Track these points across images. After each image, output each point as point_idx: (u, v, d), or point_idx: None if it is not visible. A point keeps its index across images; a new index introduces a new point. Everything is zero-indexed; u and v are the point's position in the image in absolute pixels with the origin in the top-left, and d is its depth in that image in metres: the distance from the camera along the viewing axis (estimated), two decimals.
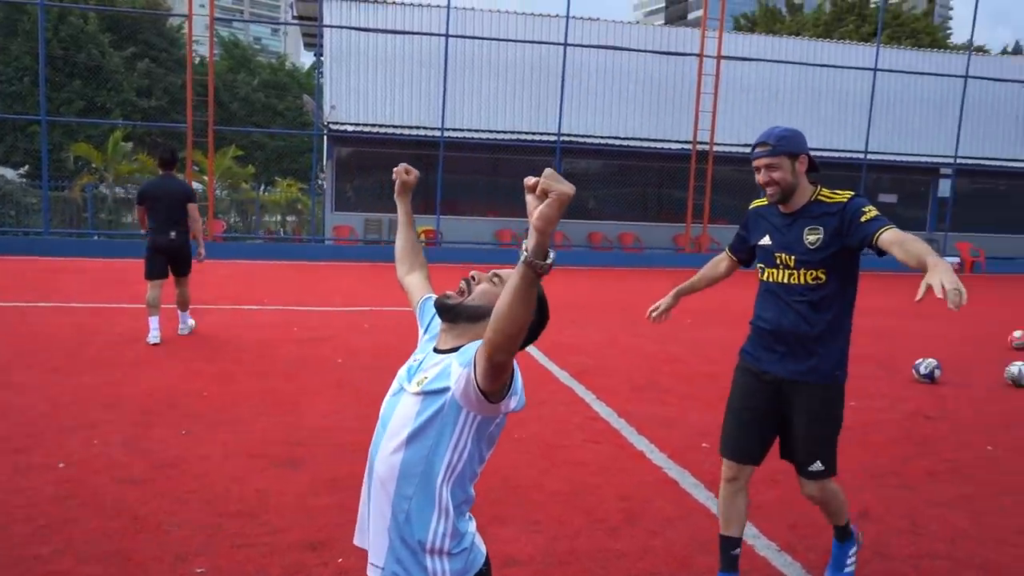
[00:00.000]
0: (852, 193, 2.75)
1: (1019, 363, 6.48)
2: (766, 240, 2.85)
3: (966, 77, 19.83)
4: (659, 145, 19.33)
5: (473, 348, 1.80)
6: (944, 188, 21.36)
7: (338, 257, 17.15)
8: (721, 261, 3.21)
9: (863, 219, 2.61)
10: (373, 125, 18.31)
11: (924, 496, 3.90)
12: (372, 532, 1.84)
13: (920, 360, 6.57)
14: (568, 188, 1.55)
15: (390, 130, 18.22)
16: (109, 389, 5.40)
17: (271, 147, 32.32)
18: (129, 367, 6.08)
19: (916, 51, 22.42)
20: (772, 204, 2.83)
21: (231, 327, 8.05)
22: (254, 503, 3.52)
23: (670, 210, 20.41)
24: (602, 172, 20.65)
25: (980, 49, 30.62)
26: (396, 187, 2.38)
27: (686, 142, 19.17)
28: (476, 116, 18.83)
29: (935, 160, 20.66)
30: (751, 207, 2.99)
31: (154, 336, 6.98)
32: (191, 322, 7.69)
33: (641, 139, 19.43)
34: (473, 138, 18.37)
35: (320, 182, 19.88)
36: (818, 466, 2.79)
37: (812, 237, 2.72)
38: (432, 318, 2.12)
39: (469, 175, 19.54)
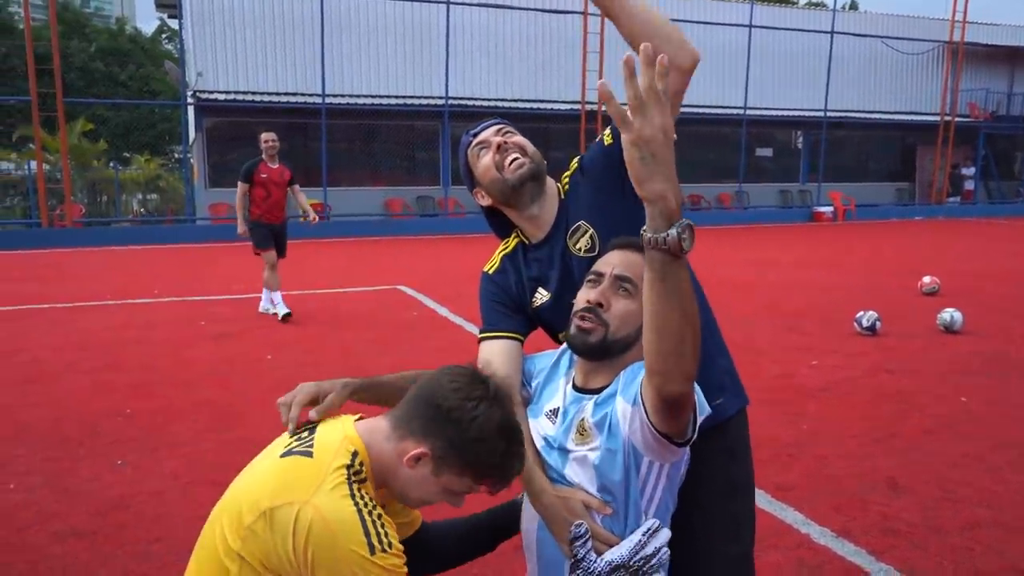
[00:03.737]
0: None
1: (950, 310, 6.70)
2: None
3: (832, 33, 20.73)
4: (548, 106, 19.08)
5: (638, 380, 1.40)
6: (814, 142, 22.42)
7: (216, 238, 15.87)
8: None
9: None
10: (246, 93, 16.98)
11: (935, 457, 3.84)
12: None
13: (861, 313, 6.66)
14: (647, 128, 1.12)
15: (266, 98, 16.96)
16: (3, 416, 4.54)
17: (115, 121, 29.55)
18: (18, 387, 5.18)
19: (787, 8, 23.26)
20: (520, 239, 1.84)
21: (129, 326, 7.13)
22: None
23: (563, 171, 20.28)
24: None
25: (853, 6, 32.29)
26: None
27: (575, 102, 19.03)
28: (358, 81, 17.85)
29: (806, 114, 21.57)
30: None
31: None
32: None
33: (530, 100, 19.10)
34: (356, 104, 17.41)
35: (187, 156, 18.31)
36: None
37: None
38: (549, 363, 1.68)
39: (354, 144, 18.58)
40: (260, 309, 7.71)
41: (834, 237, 16.72)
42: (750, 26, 19.89)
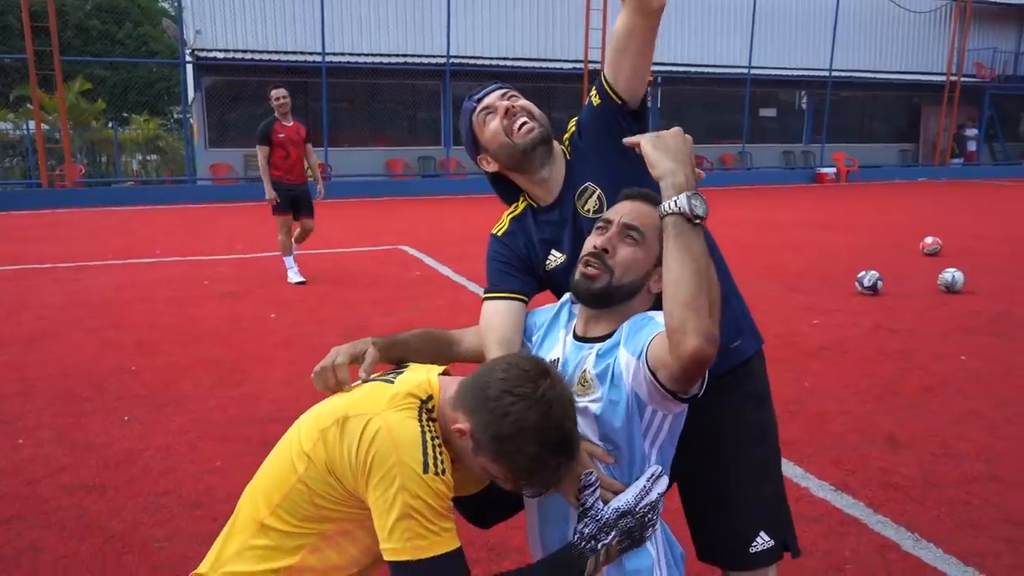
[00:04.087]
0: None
1: (951, 270, 6.71)
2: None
3: None
4: (550, 65, 18.84)
5: (643, 332, 1.41)
6: (818, 102, 22.18)
7: (216, 198, 15.83)
8: None
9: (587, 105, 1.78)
10: (245, 51, 16.79)
11: (935, 414, 3.88)
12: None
13: (863, 272, 6.67)
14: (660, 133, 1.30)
15: (265, 56, 16.76)
16: (10, 374, 4.58)
17: (112, 80, 29.23)
18: (26, 344, 5.21)
19: None
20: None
21: (132, 285, 7.15)
22: None
23: (562, 132, 20.14)
24: None
25: None
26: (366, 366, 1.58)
27: (577, 61, 18.79)
28: (358, 39, 17.62)
29: (811, 74, 21.30)
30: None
31: None
32: None
33: (532, 59, 18.87)
34: (356, 63, 17.21)
35: (187, 116, 18.16)
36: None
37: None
38: (548, 317, 1.68)
39: (355, 103, 18.41)
40: (289, 279, 7.27)
41: (837, 198, 16.64)
42: None
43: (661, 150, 1.33)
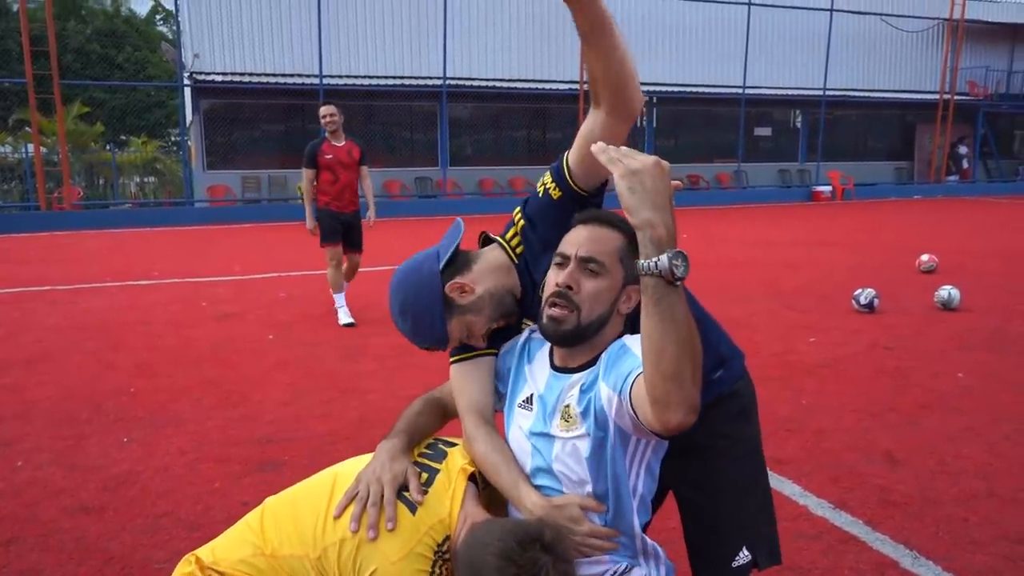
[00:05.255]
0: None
1: (948, 287, 6.74)
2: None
3: (832, 11, 20.60)
4: (546, 86, 18.99)
5: (622, 364, 1.39)
6: (813, 121, 22.34)
7: (214, 220, 15.86)
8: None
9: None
10: (243, 74, 16.91)
11: (932, 431, 3.89)
12: None
13: (859, 290, 6.70)
14: (634, 162, 1.21)
15: (263, 79, 16.88)
16: (9, 396, 4.58)
17: (111, 103, 29.40)
18: (25, 366, 5.22)
19: None
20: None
21: (131, 307, 7.16)
22: None
23: (560, 152, 20.23)
24: (488, 116, 20.15)
25: None
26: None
27: (573, 82, 18.94)
28: (356, 62, 17.76)
29: (805, 93, 21.47)
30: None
31: None
32: None
33: (528, 80, 19.02)
34: (354, 85, 17.34)
35: (185, 139, 18.24)
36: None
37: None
38: (515, 358, 1.69)
39: (352, 124, 18.46)
40: (341, 321, 6.41)
41: (833, 216, 16.73)
42: (749, 3, 19.76)
43: (638, 194, 1.19)
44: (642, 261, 1.21)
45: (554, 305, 1.46)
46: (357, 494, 1.49)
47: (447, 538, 1.44)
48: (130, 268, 9.58)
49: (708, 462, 1.68)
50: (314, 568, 1.45)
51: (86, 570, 2.66)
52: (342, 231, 6.55)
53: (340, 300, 6.47)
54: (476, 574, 1.30)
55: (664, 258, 1.18)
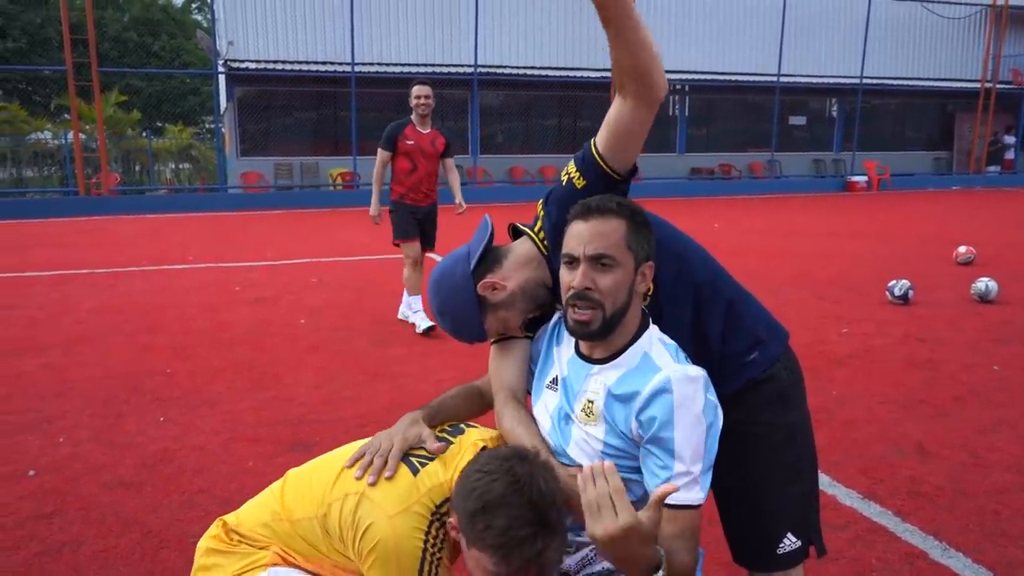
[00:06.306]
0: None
1: (985, 279, 6.62)
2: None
3: None
4: (577, 74, 18.90)
5: (654, 411, 1.43)
6: (849, 109, 21.95)
7: (247, 206, 16.08)
8: None
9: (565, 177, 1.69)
10: (276, 61, 17.06)
11: (965, 424, 3.84)
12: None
13: (893, 282, 6.61)
14: (608, 527, 1.19)
15: (296, 66, 17.02)
16: (51, 375, 4.71)
17: (147, 91, 29.87)
18: (64, 348, 5.36)
19: None
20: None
21: (165, 291, 7.30)
22: None
23: (590, 135, 20.16)
24: (519, 104, 20.11)
25: None
26: None
27: (604, 70, 18.81)
28: (387, 49, 17.82)
29: (842, 81, 21.10)
30: None
31: None
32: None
33: (560, 68, 18.94)
34: (385, 72, 17.41)
35: (219, 126, 18.47)
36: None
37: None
38: (545, 341, 1.72)
39: (383, 112, 18.59)
40: (399, 315, 6.05)
41: (868, 207, 16.47)
42: None
43: (611, 555, 1.24)
44: None
45: (576, 308, 1.47)
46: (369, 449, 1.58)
47: (446, 500, 1.47)
48: (166, 253, 9.76)
49: (745, 448, 1.66)
50: (320, 527, 1.50)
51: (125, 542, 2.74)
52: (419, 226, 5.94)
53: (416, 303, 5.81)
54: (461, 478, 1.38)
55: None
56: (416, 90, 5.81)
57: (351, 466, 1.55)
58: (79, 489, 3.17)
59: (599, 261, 1.45)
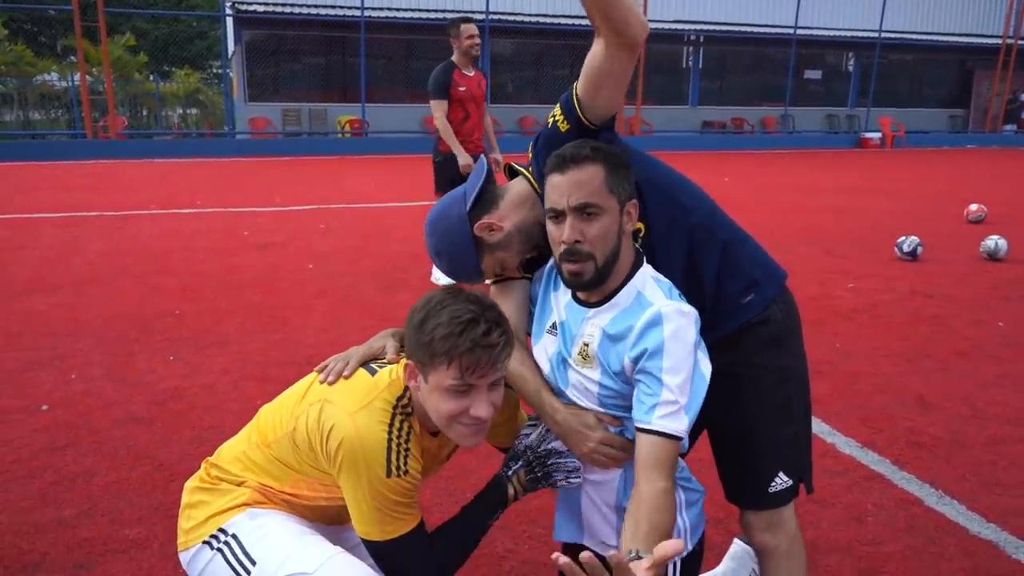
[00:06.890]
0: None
1: (995, 237, 6.58)
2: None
3: None
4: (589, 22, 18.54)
5: (647, 340, 1.45)
6: (866, 64, 21.56)
7: (255, 152, 16.02)
8: None
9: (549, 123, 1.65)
10: (285, 4, 16.81)
11: (967, 378, 3.87)
12: (596, 518, 1.61)
13: (902, 238, 6.57)
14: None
15: (305, 10, 16.76)
16: (62, 314, 4.77)
17: (154, 34, 29.49)
18: (74, 288, 5.40)
19: None
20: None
21: (174, 235, 7.33)
22: None
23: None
24: (531, 53, 19.80)
25: None
26: None
27: None
28: None
29: (859, 35, 20.69)
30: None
31: None
32: None
33: (572, 16, 18.59)
34: (395, 18, 17.14)
35: (227, 71, 18.27)
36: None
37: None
38: (542, 284, 1.72)
39: (393, 59, 18.37)
40: (432, 278, 5.61)
41: (881, 163, 16.29)
42: None
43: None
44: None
45: (569, 261, 1.47)
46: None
47: (406, 390, 1.50)
48: (173, 197, 9.76)
49: (740, 390, 1.67)
50: (290, 442, 1.54)
51: (137, 475, 2.81)
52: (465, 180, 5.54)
53: None
54: (407, 318, 1.43)
55: None
56: (470, 28, 5.36)
57: (319, 373, 1.60)
58: (92, 423, 3.23)
59: (584, 211, 1.44)
